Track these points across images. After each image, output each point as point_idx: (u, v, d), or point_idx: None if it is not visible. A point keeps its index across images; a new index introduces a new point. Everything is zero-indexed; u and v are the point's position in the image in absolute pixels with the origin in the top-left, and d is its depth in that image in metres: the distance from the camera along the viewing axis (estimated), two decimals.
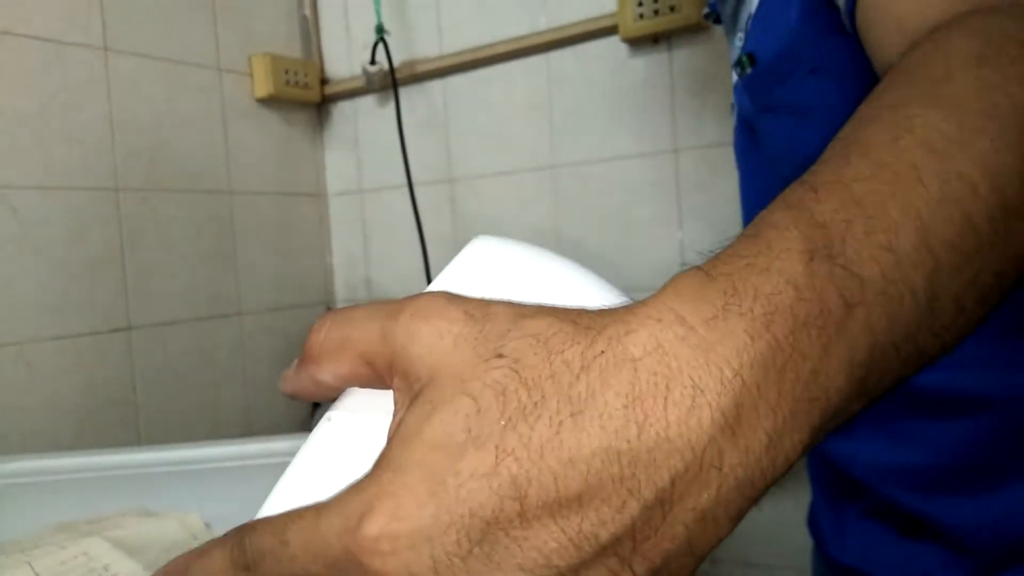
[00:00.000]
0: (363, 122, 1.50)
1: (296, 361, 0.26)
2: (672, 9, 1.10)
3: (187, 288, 1.28)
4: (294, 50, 1.48)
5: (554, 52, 1.26)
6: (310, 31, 1.51)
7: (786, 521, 0.89)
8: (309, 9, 1.50)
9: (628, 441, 0.20)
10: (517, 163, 1.32)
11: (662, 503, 0.20)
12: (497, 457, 0.20)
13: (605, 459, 0.20)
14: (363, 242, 1.53)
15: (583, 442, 0.20)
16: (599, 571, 0.20)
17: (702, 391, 0.20)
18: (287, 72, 1.42)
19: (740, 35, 0.61)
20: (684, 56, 1.15)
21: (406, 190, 1.33)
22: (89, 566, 0.46)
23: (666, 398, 0.20)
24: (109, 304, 1.17)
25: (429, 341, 0.22)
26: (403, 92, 1.38)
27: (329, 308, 1.55)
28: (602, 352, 0.21)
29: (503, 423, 0.20)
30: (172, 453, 0.68)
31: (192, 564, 0.24)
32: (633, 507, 0.20)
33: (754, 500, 0.21)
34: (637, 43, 1.17)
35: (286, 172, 1.47)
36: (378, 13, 1.34)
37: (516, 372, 0.21)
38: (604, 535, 0.20)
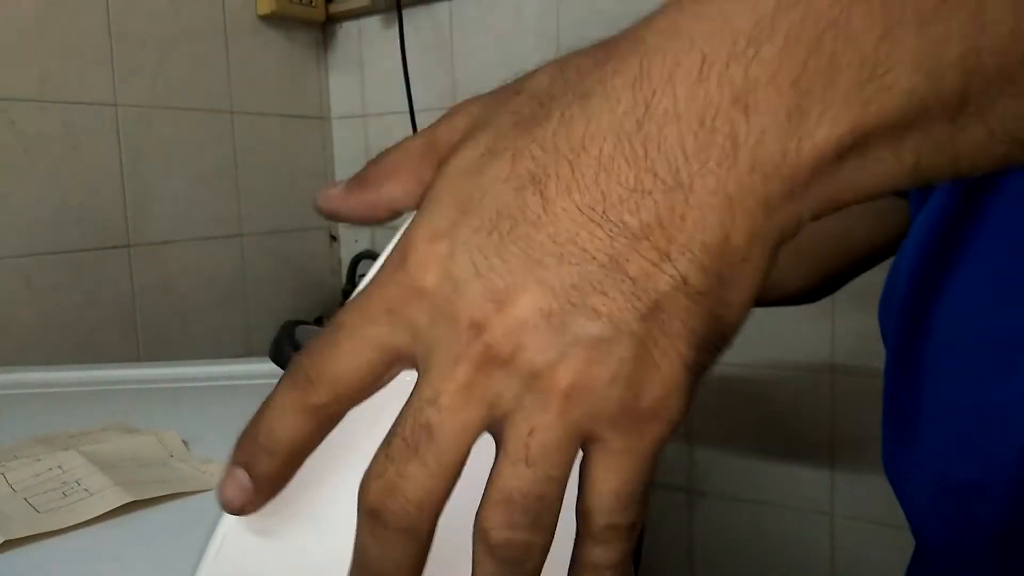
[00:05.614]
0: (368, 44, 1.47)
1: (344, 184, 0.27)
2: None
3: (188, 207, 1.28)
4: None
5: None
6: None
7: None
8: None
9: (637, 120, 0.20)
10: None
11: (680, 184, 0.19)
12: (513, 160, 0.21)
13: (616, 140, 0.20)
14: None
15: (591, 127, 0.20)
16: (637, 261, 0.20)
17: (711, 63, 0.19)
18: None
19: None
20: None
21: (408, 116, 1.31)
22: (62, 479, 0.47)
23: (673, 73, 0.20)
24: (109, 220, 1.17)
25: (462, 117, 0.25)
26: (408, 14, 1.34)
27: (332, 235, 1.55)
28: (616, 47, 0.21)
29: (516, 132, 0.21)
30: (156, 371, 0.69)
31: (262, 408, 0.23)
32: (648, 183, 0.19)
33: (786, 195, 0.20)
34: None
35: (288, 93, 1.45)
36: None
37: (533, 96, 0.22)
38: (629, 219, 0.20)
